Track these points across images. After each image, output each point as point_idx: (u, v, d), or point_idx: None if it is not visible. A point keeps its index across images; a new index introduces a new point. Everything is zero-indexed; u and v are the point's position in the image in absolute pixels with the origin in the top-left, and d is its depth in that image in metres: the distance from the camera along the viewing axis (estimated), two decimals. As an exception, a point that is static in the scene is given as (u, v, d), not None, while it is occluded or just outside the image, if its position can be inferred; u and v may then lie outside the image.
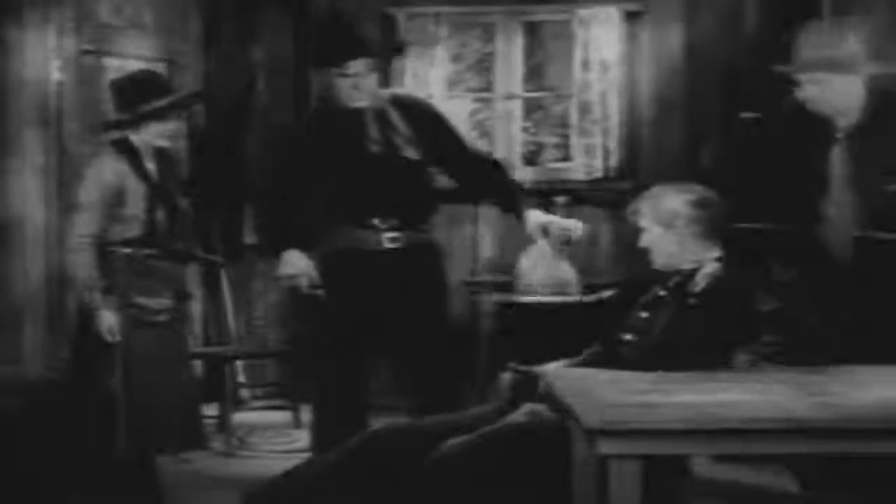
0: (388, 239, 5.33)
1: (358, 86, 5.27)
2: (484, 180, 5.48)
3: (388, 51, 5.50)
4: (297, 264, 5.34)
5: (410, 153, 5.35)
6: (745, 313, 4.31)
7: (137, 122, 5.73)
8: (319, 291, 5.34)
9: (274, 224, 5.54)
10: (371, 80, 5.32)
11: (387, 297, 5.35)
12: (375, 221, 5.33)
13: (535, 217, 5.30)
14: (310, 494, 4.41)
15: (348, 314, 5.37)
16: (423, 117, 5.44)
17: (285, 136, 6.15)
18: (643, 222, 4.46)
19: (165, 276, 5.87)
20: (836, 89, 4.69)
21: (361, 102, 5.31)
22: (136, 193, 5.75)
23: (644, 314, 4.41)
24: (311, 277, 5.33)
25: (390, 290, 5.34)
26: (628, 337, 4.40)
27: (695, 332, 4.20)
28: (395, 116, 5.38)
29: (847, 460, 4.01)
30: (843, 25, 4.83)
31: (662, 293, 4.42)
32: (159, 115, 5.74)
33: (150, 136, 5.76)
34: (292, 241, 5.38)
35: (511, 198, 5.42)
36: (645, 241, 4.47)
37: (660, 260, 4.45)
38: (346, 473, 4.33)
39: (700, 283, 4.33)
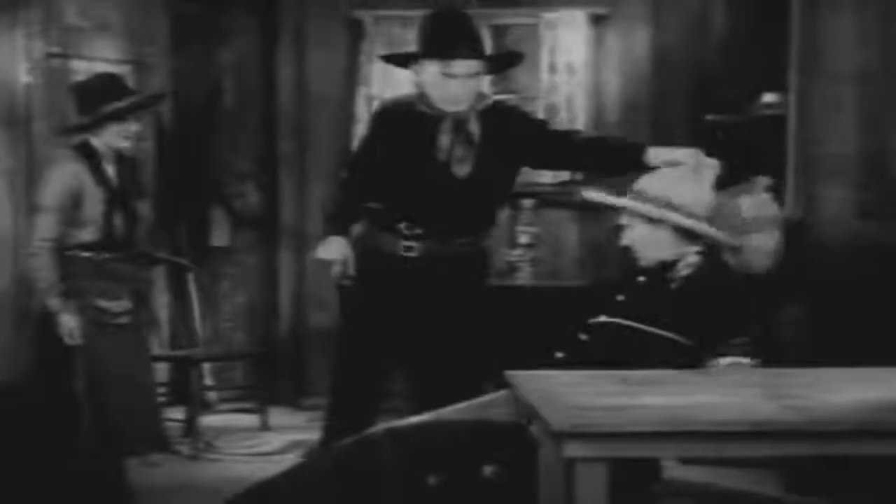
0: (405, 247, 5.11)
1: (460, 88, 4.93)
2: (597, 154, 5.11)
3: (502, 57, 5.02)
4: (335, 251, 5.12)
5: (463, 169, 5.04)
6: (726, 303, 4.33)
7: (97, 124, 5.72)
8: (348, 282, 5.15)
9: (336, 207, 5.29)
10: (475, 85, 4.97)
11: (395, 302, 5.16)
12: (400, 227, 5.11)
13: (654, 153, 4.83)
14: (299, 499, 4.37)
15: (364, 312, 5.20)
16: (511, 125, 5.10)
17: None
18: (629, 220, 4.44)
19: (125, 278, 5.87)
20: (754, 247, 4.61)
21: (458, 107, 4.98)
22: (94, 197, 5.74)
23: (620, 297, 4.40)
24: (347, 267, 5.13)
25: (403, 296, 5.15)
26: (602, 318, 4.38)
27: (675, 312, 4.22)
28: (475, 126, 5.05)
29: (831, 464, 4.03)
30: (752, 186, 4.83)
31: (641, 278, 4.42)
32: (119, 117, 5.73)
33: (109, 137, 5.75)
34: (340, 228, 5.18)
35: (631, 151, 4.93)
36: (628, 238, 4.46)
37: (647, 254, 4.44)
38: (339, 477, 4.30)
39: (683, 269, 4.35)
